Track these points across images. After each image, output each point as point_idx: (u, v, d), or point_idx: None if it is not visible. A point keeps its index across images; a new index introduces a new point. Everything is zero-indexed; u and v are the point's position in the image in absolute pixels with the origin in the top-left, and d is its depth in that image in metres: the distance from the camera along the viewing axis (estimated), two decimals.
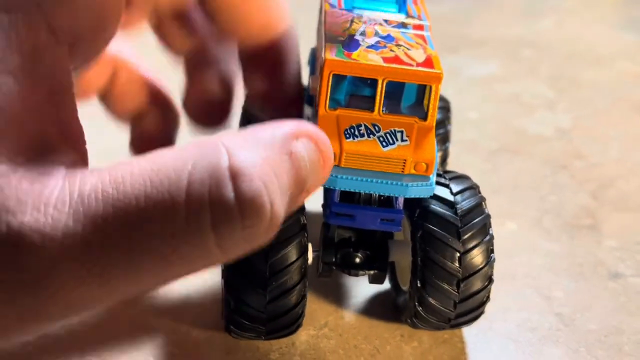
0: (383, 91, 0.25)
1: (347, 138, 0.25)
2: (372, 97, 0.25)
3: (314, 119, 0.26)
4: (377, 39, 0.26)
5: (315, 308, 0.31)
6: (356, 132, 0.25)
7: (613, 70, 0.59)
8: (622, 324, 0.30)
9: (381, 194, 0.26)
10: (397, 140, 0.25)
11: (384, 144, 0.25)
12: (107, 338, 0.29)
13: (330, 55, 0.25)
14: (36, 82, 0.19)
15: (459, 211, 0.27)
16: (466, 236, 0.26)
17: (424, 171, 0.25)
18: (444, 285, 0.26)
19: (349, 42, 0.26)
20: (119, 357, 0.28)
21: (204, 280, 0.32)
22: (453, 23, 0.67)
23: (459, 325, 0.28)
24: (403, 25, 0.28)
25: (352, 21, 0.27)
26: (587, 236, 0.36)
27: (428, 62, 0.25)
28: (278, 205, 0.17)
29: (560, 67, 0.59)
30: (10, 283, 0.17)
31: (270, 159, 0.18)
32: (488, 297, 0.27)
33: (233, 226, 0.17)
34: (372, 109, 0.25)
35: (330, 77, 0.25)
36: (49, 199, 0.17)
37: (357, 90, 0.26)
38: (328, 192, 0.27)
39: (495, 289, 0.32)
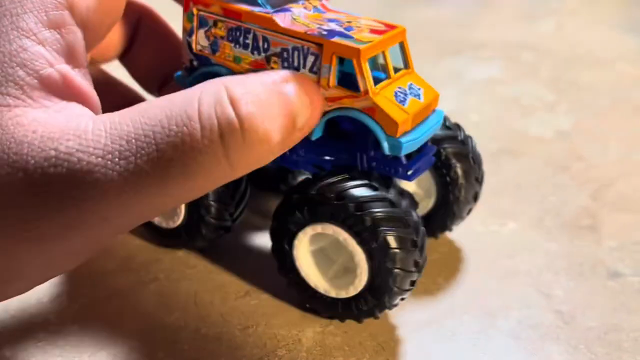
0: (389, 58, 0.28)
1: (404, 105, 0.27)
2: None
3: (362, 102, 0.27)
4: (334, 24, 0.28)
5: None
6: (402, 97, 0.28)
7: (613, 73, 0.60)
8: (621, 321, 0.31)
9: (434, 136, 0.31)
10: (419, 90, 0.29)
11: (418, 97, 0.28)
12: (117, 334, 0.29)
13: (357, 45, 0.26)
14: (60, 53, 0.22)
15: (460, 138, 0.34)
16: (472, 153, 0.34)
17: (437, 104, 0.30)
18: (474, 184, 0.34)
19: (338, 32, 0.27)
20: (128, 353, 0.28)
21: (212, 279, 0.33)
22: (454, 26, 0.68)
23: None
24: (316, 8, 0.30)
25: (294, 19, 0.28)
26: (587, 236, 0.37)
27: (388, 25, 0.29)
28: (269, 126, 0.22)
29: (560, 70, 0.60)
30: (61, 197, 0.20)
31: (261, 93, 0.22)
32: None
33: (235, 138, 0.21)
34: (381, 79, 0.28)
35: (367, 62, 0.27)
36: (86, 129, 0.21)
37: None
38: (391, 161, 0.29)
39: (496, 287, 0.33)
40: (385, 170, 0.29)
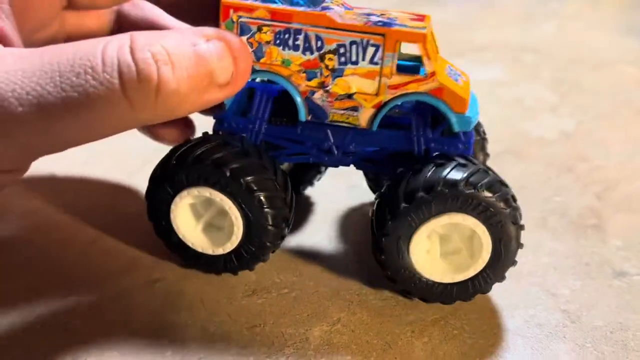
0: None
1: (459, 83, 0.29)
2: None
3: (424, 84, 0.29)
4: (374, 17, 0.29)
5: (328, 305, 0.31)
6: (455, 77, 0.29)
7: (615, 75, 0.60)
8: (627, 320, 0.31)
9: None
10: (456, 71, 0.31)
11: (460, 76, 0.30)
12: (125, 333, 0.29)
13: (418, 30, 0.28)
14: None
15: None
16: None
17: None
18: None
19: (389, 22, 0.28)
20: (137, 352, 0.28)
21: (218, 278, 0.33)
22: (458, 28, 0.68)
23: None
24: (344, 6, 0.30)
25: (340, 15, 0.28)
26: (592, 236, 0.37)
27: (416, 14, 0.30)
28: (167, 75, 0.23)
29: (562, 72, 0.60)
30: None
31: (169, 44, 0.24)
32: None
33: (131, 78, 0.23)
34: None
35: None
36: None
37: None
38: (449, 139, 0.31)
39: (502, 287, 0.33)
40: (444, 149, 0.30)
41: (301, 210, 0.38)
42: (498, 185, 0.29)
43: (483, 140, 0.35)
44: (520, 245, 0.30)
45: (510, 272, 0.34)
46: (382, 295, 0.32)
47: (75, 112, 0.23)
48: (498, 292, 0.33)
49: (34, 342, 0.29)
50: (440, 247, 0.31)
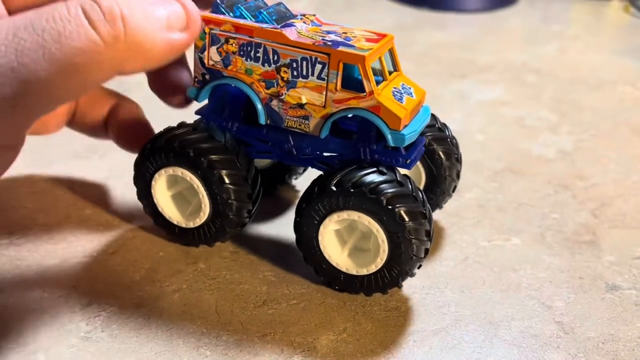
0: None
1: (401, 102, 0.31)
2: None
3: (366, 101, 0.31)
4: (334, 35, 0.32)
5: (335, 315, 0.33)
6: (399, 96, 0.32)
7: (614, 95, 0.62)
8: (618, 332, 0.33)
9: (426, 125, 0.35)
10: (410, 89, 0.33)
11: (411, 95, 0.33)
12: (144, 340, 0.31)
13: (362, 52, 0.30)
14: None
15: None
16: None
17: (424, 100, 0.34)
18: None
19: (341, 42, 0.31)
20: (155, 358, 0.30)
21: (231, 290, 0.35)
22: (461, 50, 0.70)
23: None
24: (313, 22, 0.33)
25: (299, 32, 0.32)
26: (587, 251, 0.39)
27: (378, 34, 0.33)
28: (127, 11, 0.25)
29: (563, 92, 0.62)
30: None
31: None
32: None
33: (95, 12, 0.25)
34: (378, 82, 0.32)
35: (370, 67, 0.31)
36: None
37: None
38: (392, 152, 0.33)
39: (500, 299, 0.35)
40: (386, 161, 0.33)
41: None
42: (404, 199, 0.31)
43: (440, 131, 0.38)
44: (420, 259, 0.32)
45: (509, 285, 0.36)
46: (386, 306, 0.34)
47: (51, 53, 0.24)
48: (497, 304, 0.34)
49: (58, 347, 0.31)
50: (360, 244, 0.34)
